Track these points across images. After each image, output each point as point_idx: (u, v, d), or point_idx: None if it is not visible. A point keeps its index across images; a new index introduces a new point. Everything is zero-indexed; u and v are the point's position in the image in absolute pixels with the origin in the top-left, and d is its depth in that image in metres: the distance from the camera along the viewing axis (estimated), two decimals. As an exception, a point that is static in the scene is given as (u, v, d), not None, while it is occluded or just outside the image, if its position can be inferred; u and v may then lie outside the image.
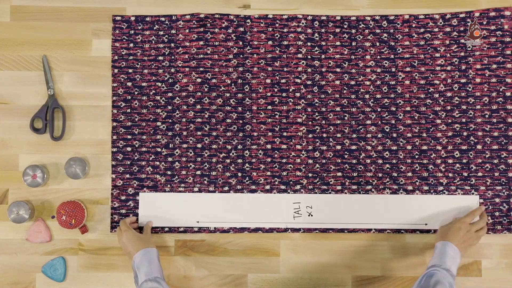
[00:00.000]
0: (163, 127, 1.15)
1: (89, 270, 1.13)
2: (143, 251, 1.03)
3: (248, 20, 1.17)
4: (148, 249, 1.03)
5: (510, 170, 1.14)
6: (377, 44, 1.17)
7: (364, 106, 1.16)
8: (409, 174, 1.15)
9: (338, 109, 1.16)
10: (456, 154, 1.15)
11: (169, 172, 1.15)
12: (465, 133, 1.15)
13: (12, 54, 1.16)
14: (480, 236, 1.09)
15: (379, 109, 1.16)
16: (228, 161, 1.15)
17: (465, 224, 1.07)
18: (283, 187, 1.15)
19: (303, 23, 1.17)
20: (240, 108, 1.16)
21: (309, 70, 1.16)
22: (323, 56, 1.17)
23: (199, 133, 1.15)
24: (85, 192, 1.14)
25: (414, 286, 0.97)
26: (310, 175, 1.15)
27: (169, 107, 1.16)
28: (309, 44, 1.17)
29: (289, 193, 1.15)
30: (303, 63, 1.17)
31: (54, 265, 1.12)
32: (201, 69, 1.16)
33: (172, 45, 1.17)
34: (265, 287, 1.14)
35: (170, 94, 1.16)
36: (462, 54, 1.16)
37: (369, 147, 1.15)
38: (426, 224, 1.14)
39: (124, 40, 1.17)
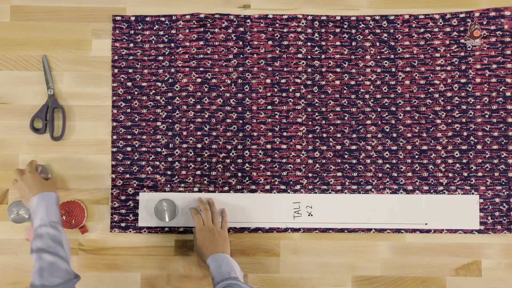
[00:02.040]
0: (163, 127, 1.15)
1: (89, 270, 1.13)
2: (41, 194, 1.00)
3: (248, 20, 1.17)
4: (46, 193, 1.01)
5: (510, 170, 1.14)
6: (377, 44, 1.17)
7: (364, 106, 1.16)
8: (409, 174, 1.15)
9: (338, 109, 1.16)
10: (456, 154, 1.15)
11: (169, 172, 1.15)
12: (465, 133, 1.15)
13: (12, 54, 1.16)
14: (225, 226, 1.10)
15: (379, 109, 1.16)
16: (228, 161, 1.15)
17: (207, 230, 1.07)
18: (283, 187, 1.15)
19: (303, 23, 1.17)
20: (240, 108, 1.16)
21: (309, 70, 1.16)
22: (323, 56, 1.17)
23: (199, 133, 1.15)
24: (85, 192, 1.14)
25: None
26: (310, 175, 1.15)
27: (169, 107, 1.16)
28: (309, 44, 1.17)
29: (289, 193, 1.15)
30: (303, 63, 1.17)
31: (54, 265, 1.12)
32: (201, 69, 1.16)
33: (172, 45, 1.17)
34: (265, 287, 1.14)
35: (170, 94, 1.16)
36: (462, 54, 1.16)
37: (369, 147, 1.15)
38: (426, 224, 1.14)
39: (124, 40, 1.17)
